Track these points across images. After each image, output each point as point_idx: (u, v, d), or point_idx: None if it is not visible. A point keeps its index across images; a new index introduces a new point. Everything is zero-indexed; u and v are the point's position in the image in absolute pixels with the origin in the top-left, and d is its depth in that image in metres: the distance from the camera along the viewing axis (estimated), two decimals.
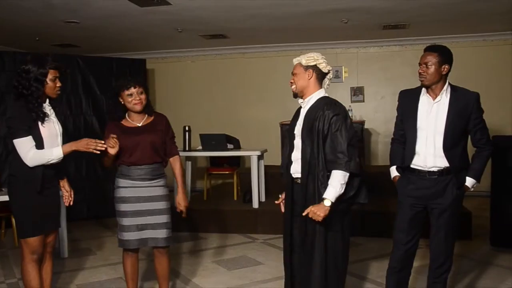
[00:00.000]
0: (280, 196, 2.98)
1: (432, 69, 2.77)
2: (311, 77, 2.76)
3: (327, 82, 2.84)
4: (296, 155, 2.78)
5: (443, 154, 2.80)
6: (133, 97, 3.08)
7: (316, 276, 2.69)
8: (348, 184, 2.65)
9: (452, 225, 2.90)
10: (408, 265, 3.03)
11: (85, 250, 5.12)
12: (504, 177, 4.64)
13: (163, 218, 3.17)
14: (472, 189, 2.91)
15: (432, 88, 2.84)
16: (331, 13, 6.19)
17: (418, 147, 2.87)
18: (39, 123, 2.83)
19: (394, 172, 3.08)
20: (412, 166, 2.90)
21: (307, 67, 2.75)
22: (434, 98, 2.85)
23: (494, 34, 7.65)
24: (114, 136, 2.98)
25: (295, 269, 2.82)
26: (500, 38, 7.73)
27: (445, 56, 2.79)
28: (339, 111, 2.67)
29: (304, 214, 2.63)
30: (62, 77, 2.97)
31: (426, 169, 2.86)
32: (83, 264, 4.58)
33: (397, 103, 3.10)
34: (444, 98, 2.83)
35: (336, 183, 2.59)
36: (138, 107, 3.11)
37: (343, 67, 8.39)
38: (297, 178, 2.79)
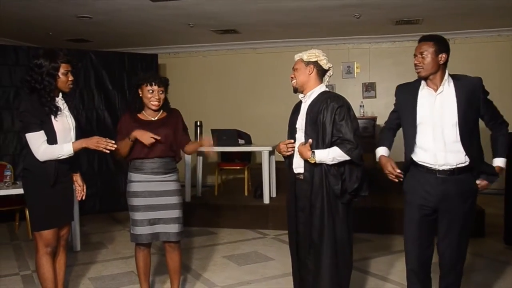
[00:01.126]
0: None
1: (428, 58, 2.61)
2: (311, 73, 2.82)
3: (327, 79, 2.90)
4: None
5: (453, 149, 2.60)
6: (153, 94, 3.11)
7: (327, 267, 2.72)
8: (352, 175, 2.73)
9: (465, 231, 2.69)
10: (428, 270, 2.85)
11: (97, 243, 5.16)
12: None
13: (175, 213, 3.19)
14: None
15: (431, 79, 2.66)
16: (343, 8, 6.15)
17: (426, 144, 2.66)
18: (52, 117, 2.86)
19: (380, 152, 2.89)
20: (420, 163, 2.70)
21: (308, 63, 2.82)
22: (435, 90, 2.66)
23: (509, 29, 7.53)
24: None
25: (303, 264, 2.83)
26: None
27: (441, 44, 2.64)
28: (343, 103, 2.73)
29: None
30: (74, 71, 2.98)
31: (436, 167, 2.64)
32: (95, 258, 4.62)
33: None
34: (447, 88, 2.64)
35: (331, 152, 2.66)
36: (155, 106, 3.14)
37: (355, 62, 8.34)
38: (299, 173, 2.81)
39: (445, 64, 2.65)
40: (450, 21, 6.94)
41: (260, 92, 8.65)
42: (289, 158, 2.89)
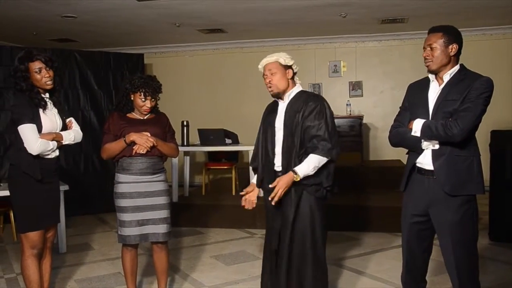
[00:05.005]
0: (244, 190, 3.01)
1: (438, 51, 2.44)
2: (291, 76, 2.84)
3: (299, 80, 2.93)
4: (280, 148, 2.82)
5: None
6: (145, 103, 3.12)
7: (310, 268, 2.76)
8: (324, 172, 2.74)
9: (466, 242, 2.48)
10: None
11: (84, 245, 5.12)
12: (503, 172, 4.64)
13: (164, 213, 3.18)
14: None
15: (441, 72, 2.48)
16: (329, 7, 6.18)
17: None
18: (41, 111, 2.87)
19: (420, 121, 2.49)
20: (418, 165, 2.55)
21: (286, 67, 2.82)
22: (440, 84, 2.51)
23: (493, 28, 7.63)
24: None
25: (284, 261, 2.83)
26: (499, 32, 7.73)
27: (451, 35, 2.46)
28: (320, 102, 2.75)
29: (271, 186, 2.66)
30: (50, 65, 2.95)
31: (427, 167, 2.50)
32: (81, 259, 4.58)
33: (396, 97, 2.93)
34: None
35: (311, 163, 2.65)
36: (145, 113, 3.19)
37: (341, 61, 8.38)
38: (279, 170, 2.82)
39: (456, 55, 2.48)
40: (435, 20, 6.91)
41: (247, 91, 8.64)
42: (266, 156, 2.91)
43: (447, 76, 2.48)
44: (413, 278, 2.69)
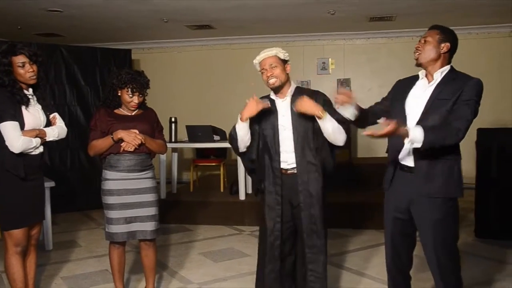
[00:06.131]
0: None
1: (429, 45, 2.47)
2: (289, 71, 2.83)
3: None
4: (288, 146, 2.79)
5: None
6: (132, 99, 3.09)
7: (321, 260, 2.82)
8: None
9: (445, 241, 2.48)
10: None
11: (70, 242, 5.06)
12: (489, 169, 4.69)
13: (152, 211, 3.16)
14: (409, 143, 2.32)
15: (430, 69, 2.49)
16: (318, 4, 6.18)
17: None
18: (23, 108, 2.82)
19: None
20: (401, 161, 2.54)
21: (284, 61, 2.80)
22: (430, 81, 2.50)
23: (479, 27, 7.70)
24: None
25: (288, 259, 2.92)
26: (485, 31, 7.80)
27: (447, 34, 2.50)
28: (323, 95, 2.85)
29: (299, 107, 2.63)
30: (34, 60, 2.88)
31: (409, 163, 2.49)
32: (68, 257, 4.54)
33: (384, 95, 2.85)
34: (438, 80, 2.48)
35: (335, 122, 2.68)
36: (132, 109, 3.15)
37: (329, 59, 8.40)
38: (287, 169, 2.80)
39: (448, 54, 2.51)
40: (424, 18, 7.02)
41: (236, 87, 8.61)
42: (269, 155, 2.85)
43: (438, 74, 2.48)
44: (399, 273, 2.70)
